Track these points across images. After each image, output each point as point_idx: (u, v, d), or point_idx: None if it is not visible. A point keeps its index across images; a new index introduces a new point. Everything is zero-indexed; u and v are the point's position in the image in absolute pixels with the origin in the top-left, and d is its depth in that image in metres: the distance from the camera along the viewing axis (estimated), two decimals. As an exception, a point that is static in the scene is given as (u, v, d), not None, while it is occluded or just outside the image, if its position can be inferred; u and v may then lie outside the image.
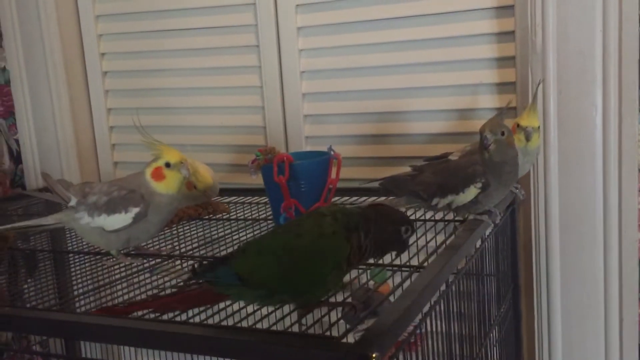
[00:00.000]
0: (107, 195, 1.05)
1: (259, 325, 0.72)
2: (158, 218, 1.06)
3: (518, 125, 1.12)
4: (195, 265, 0.79)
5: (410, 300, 0.70)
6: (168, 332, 0.71)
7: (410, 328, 0.73)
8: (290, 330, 0.69)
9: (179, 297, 0.80)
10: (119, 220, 1.03)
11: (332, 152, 1.15)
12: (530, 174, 1.27)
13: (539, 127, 1.14)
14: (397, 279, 0.89)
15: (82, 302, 0.98)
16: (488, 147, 0.99)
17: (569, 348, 1.29)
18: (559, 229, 1.26)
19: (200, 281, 0.79)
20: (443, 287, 0.85)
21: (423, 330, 0.79)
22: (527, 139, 1.09)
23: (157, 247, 1.20)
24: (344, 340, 0.63)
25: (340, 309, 0.83)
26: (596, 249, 1.24)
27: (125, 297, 0.97)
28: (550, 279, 1.28)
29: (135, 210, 1.03)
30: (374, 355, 0.58)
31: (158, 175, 1.05)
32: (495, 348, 1.16)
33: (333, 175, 1.14)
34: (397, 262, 0.95)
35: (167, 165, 1.04)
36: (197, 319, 0.77)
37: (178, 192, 1.07)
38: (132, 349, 1.63)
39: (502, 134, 0.99)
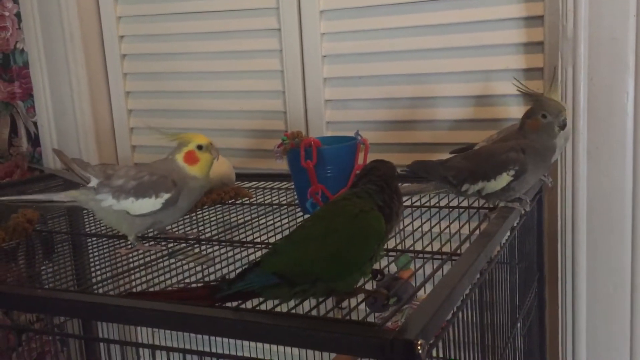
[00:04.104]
0: (135, 179, 1.04)
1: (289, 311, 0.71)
2: (187, 203, 1.06)
3: None
4: (220, 280, 0.78)
5: (451, 288, 0.69)
6: (195, 315, 0.70)
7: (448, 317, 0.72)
8: (329, 316, 0.67)
9: (203, 293, 0.77)
10: (148, 204, 1.03)
11: (359, 137, 1.13)
12: (558, 162, 1.25)
13: None
14: (431, 266, 0.87)
15: (101, 290, 0.97)
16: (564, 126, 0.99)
17: (594, 338, 1.27)
18: (586, 218, 1.24)
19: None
20: (477, 276, 0.84)
21: (459, 318, 0.78)
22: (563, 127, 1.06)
23: (179, 231, 1.18)
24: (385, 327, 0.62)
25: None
26: (624, 238, 1.22)
27: (144, 285, 0.95)
28: (575, 269, 1.26)
29: (167, 195, 1.03)
30: (419, 342, 0.57)
31: (192, 159, 1.06)
32: (520, 338, 1.15)
33: (360, 160, 1.13)
34: (429, 249, 0.93)
35: (199, 147, 1.06)
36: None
37: (207, 175, 1.08)
38: (149, 329, 1.62)
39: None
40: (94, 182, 1.07)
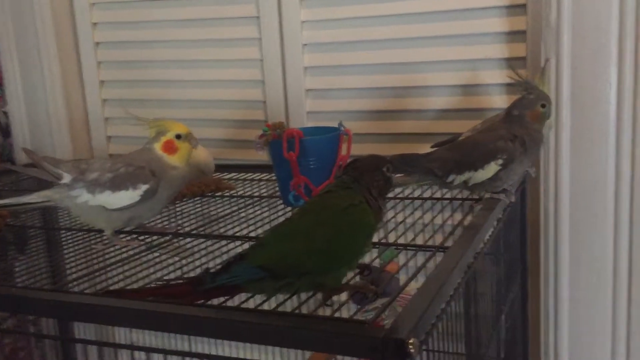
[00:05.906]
0: (111, 172, 1.00)
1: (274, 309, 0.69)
2: (167, 194, 1.02)
3: None
4: (203, 272, 0.75)
5: (440, 284, 0.67)
6: (177, 314, 0.67)
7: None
8: (316, 314, 0.65)
9: (185, 289, 0.75)
10: (125, 197, 0.99)
11: (342, 128, 1.11)
12: (541, 152, 1.24)
13: None
14: (416, 259, 0.86)
15: (77, 288, 0.93)
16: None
17: (576, 329, 1.27)
18: (568, 208, 1.24)
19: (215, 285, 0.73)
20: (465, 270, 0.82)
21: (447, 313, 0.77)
22: (548, 116, 1.06)
23: (157, 225, 1.15)
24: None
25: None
26: (607, 228, 1.22)
27: (122, 283, 0.91)
28: (558, 259, 1.26)
29: (145, 187, 0.99)
30: (411, 341, 0.55)
31: (170, 148, 1.03)
32: (504, 329, 1.14)
33: (343, 151, 1.11)
34: (415, 242, 0.92)
35: (178, 137, 1.03)
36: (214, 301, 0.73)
37: (187, 164, 1.05)
38: (127, 329, 1.59)
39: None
40: (66, 178, 1.03)
